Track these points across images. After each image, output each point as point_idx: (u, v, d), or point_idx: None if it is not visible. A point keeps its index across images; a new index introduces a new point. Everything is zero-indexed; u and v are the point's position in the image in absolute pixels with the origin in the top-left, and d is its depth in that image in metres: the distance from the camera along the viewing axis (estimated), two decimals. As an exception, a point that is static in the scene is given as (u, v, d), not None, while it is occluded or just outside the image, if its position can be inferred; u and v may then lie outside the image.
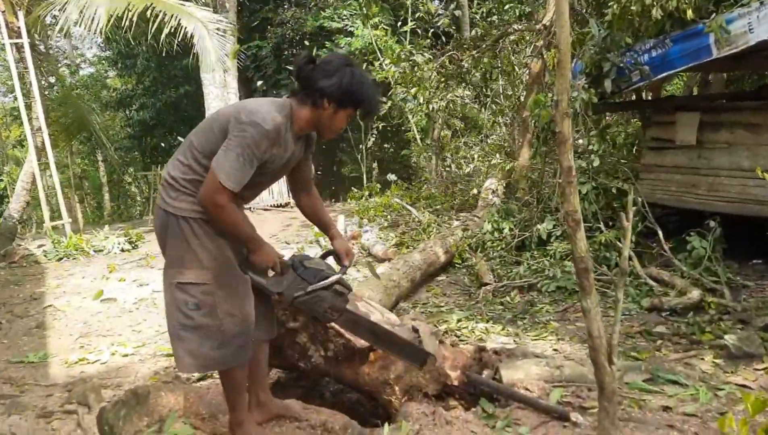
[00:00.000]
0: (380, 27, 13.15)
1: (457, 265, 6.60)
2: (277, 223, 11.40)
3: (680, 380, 3.02)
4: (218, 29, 10.28)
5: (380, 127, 12.53)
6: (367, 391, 2.92)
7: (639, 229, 5.60)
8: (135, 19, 9.29)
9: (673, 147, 6.07)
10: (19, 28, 9.60)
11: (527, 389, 2.85)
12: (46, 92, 13.34)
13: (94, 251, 9.01)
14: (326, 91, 2.15)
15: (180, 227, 2.14)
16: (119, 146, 20.79)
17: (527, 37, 9.34)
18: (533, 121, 7.36)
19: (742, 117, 5.59)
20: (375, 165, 17.94)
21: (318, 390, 3.47)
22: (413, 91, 9.69)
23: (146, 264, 7.88)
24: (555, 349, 3.98)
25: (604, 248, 5.54)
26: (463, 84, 10.63)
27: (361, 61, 11.60)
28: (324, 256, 2.57)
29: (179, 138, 17.41)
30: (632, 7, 5.53)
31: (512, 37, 9.47)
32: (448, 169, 11.87)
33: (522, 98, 9.36)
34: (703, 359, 3.48)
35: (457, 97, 10.59)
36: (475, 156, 11.10)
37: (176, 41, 9.98)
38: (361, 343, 2.79)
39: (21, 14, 9.58)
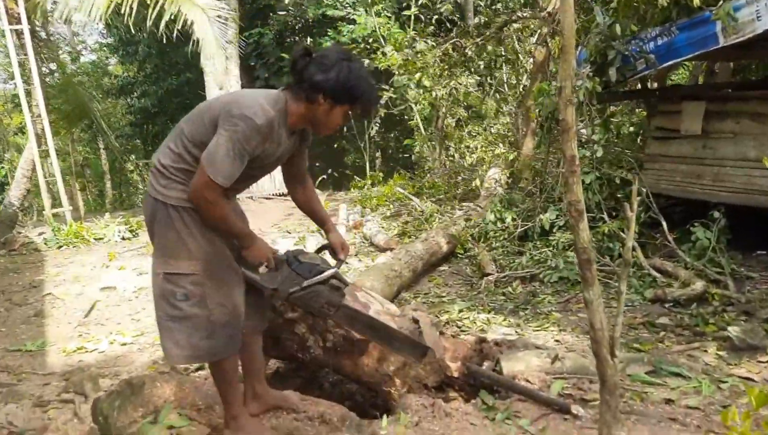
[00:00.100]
0: (383, 14, 13.02)
1: (460, 255, 6.56)
2: (278, 211, 11.35)
3: (683, 372, 2.99)
4: (219, 16, 10.19)
5: (384, 114, 12.40)
6: (366, 383, 2.88)
7: (643, 220, 5.55)
8: (135, 5, 9.21)
9: (678, 137, 5.99)
10: (19, 14, 9.53)
11: (528, 381, 2.82)
12: (47, 79, 13.24)
13: (95, 239, 8.98)
14: (321, 86, 2.07)
15: (169, 216, 2.09)
16: (121, 134, 20.72)
17: (531, 25, 9.23)
18: (537, 110, 7.29)
19: (749, 106, 5.51)
20: (378, 154, 17.86)
21: (317, 381, 3.44)
22: (417, 76, 9.59)
23: (147, 252, 7.85)
24: (557, 340, 3.95)
25: (607, 239, 5.49)
26: (467, 72, 10.52)
27: (363, 49, 11.50)
28: (319, 251, 2.52)
29: (180, 126, 17.28)
30: (638, -6, 5.45)
31: (516, 25, 9.36)
32: (451, 158, 11.80)
33: (526, 87, 9.28)
34: (706, 351, 3.44)
35: (460, 84, 10.48)
36: (479, 145, 11.02)
37: (177, 28, 9.88)
38: (360, 334, 2.75)
39: (21, 0, 9.50)
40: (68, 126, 14.50)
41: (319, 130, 2.24)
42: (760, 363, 3.19)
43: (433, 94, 10.11)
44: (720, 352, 3.40)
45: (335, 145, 17.93)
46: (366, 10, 13.37)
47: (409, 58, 9.80)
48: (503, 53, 9.98)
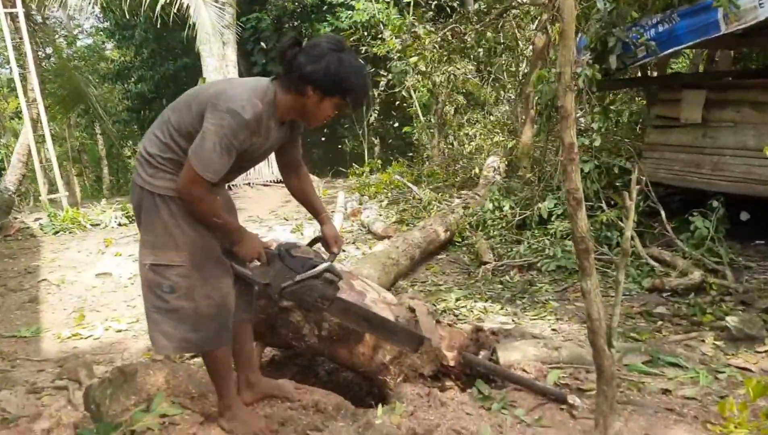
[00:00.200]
0: (381, 0, 12.89)
1: (457, 244, 6.53)
2: (276, 198, 11.30)
3: (680, 363, 2.98)
4: (215, 0, 10.08)
5: (383, 97, 12.26)
6: (361, 372, 2.87)
7: (641, 209, 5.53)
8: (130, -12, 9.11)
9: (677, 125, 5.95)
10: (14, -3, 9.42)
11: (524, 370, 2.80)
12: (43, 63, 13.13)
13: (91, 225, 8.94)
14: (310, 78, 1.98)
15: (156, 206, 2.05)
16: (117, 119, 20.59)
17: (532, 11, 9.14)
18: (536, 98, 7.23)
19: (749, 95, 5.46)
20: (377, 141, 17.78)
21: (313, 369, 3.43)
22: (413, 60, 9.49)
23: (143, 239, 7.81)
24: (554, 329, 3.94)
25: (605, 228, 5.47)
26: (466, 59, 10.44)
27: (361, 35, 11.38)
28: (312, 243, 2.47)
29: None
30: (640, -20, 5.38)
31: (516, 11, 9.27)
32: (450, 146, 11.74)
33: (525, 75, 9.21)
34: (703, 341, 3.43)
35: (458, 69, 10.40)
36: (478, 133, 10.96)
37: (173, 12, 9.77)
38: (355, 322, 2.72)
39: (16, -17, 9.39)
40: (64, 111, 14.38)
41: (309, 122, 2.17)
42: (758, 353, 3.18)
43: (432, 80, 10.02)
44: (717, 342, 3.39)
45: (333, 133, 17.85)
46: (365, -5, 13.22)
47: (408, 43, 9.70)
48: (502, 40, 9.90)
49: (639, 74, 7.30)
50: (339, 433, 2.26)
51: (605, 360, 2.17)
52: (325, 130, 18.44)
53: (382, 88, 11.33)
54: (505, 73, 10.98)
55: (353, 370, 2.95)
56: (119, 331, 4.37)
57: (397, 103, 12.30)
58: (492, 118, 11.22)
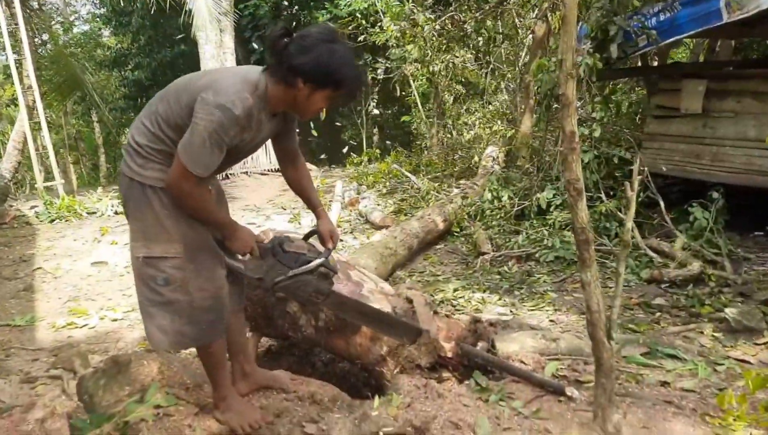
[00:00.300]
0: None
1: (456, 234, 6.51)
2: (274, 187, 11.25)
3: (679, 354, 2.96)
4: (212, -14, 9.97)
5: (381, 85, 12.15)
6: (358, 363, 2.84)
7: (640, 199, 5.50)
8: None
9: (678, 115, 5.92)
10: (8, -18, 9.31)
11: (522, 362, 2.79)
12: (39, 50, 13.02)
13: (87, 213, 8.89)
14: (300, 70, 1.91)
15: (147, 197, 1.99)
16: (114, 106, 20.41)
17: (532, 0, 9.06)
18: (536, 87, 7.18)
19: (750, 85, 5.43)
20: (375, 130, 17.70)
21: (309, 359, 3.41)
22: (409, 47, 9.40)
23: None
24: (552, 320, 3.92)
25: (604, 218, 5.45)
26: (465, 47, 10.36)
27: (359, 23, 11.27)
28: (307, 237, 2.43)
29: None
30: (641, -32, 5.32)
31: (516, -1, 9.19)
32: (448, 135, 11.68)
33: (525, 64, 9.14)
34: (702, 333, 3.41)
35: (456, 57, 10.31)
36: (477, 122, 10.90)
37: (169, -2, 9.68)
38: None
39: (10, -32, 9.28)
40: (61, 98, 14.24)
41: (301, 114, 2.11)
42: (757, 345, 3.17)
43: (430, 68, 9.94)
44: (716, 334, 3.38)
45: (332, 122, 17.75)
46: (364, -18, 13.08)
47: (406, 30, 9.60)
48: (500, 30, 9.82)
49: (639, 63, 7.25)
50: (335, 425, 2.23)
51: (604, 352, 2.15)
52: (324, 121, 18.33)
53: (381, 77, 11.24)
54: (504, 63, 10.90)
55: (350, 361, 2.93)
56: (115, 320, 4.34)
57: (397, 93, 12.20)
58: (491, 107, 11.16)
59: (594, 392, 2.24)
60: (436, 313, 3.06)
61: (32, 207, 9.43)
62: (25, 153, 10.71)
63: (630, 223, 2.12)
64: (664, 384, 2.65)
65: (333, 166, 14.57)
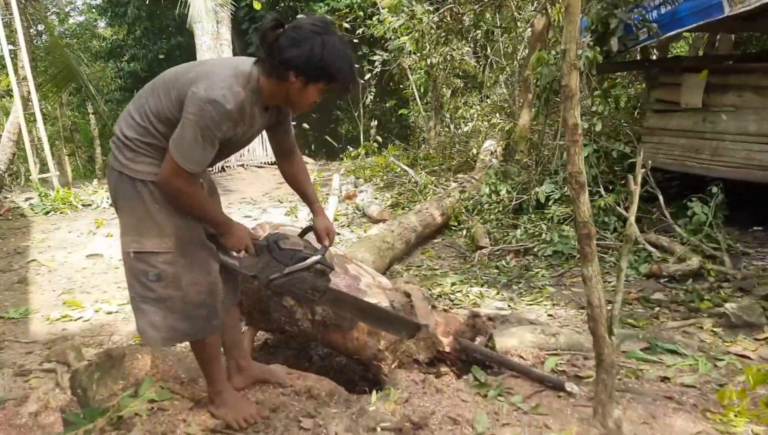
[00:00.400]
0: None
1: (453, 228, 6.48)
2: (271, 180, 11.22)
3: (679, 350, 2.93)
4: (209, -23, 9.88)
5: (377, 72, 12.04)
6: (356, 358, 2.81)
7: (640, 194, 5.47)
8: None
9: (678, 110, 5.88)
10: (2, -29, 9.20)
11: (521, 357, 2.76)
12: (34, 41, 12.92)
13: (83, 205, 8.84)
14: (292, 64, 1.85)
15: (137, 191, 1.95)
16: (110, 98, 20.30)
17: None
18: (535, 80, 7.13)
19: (751, 79, 5.39)
20: (373, 123, 17.64)
21: (306, 353, 3.38)
22: (403, 39, 9.33)
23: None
24: (550, 315, 3.90)
25: (602, 212, 5.42)
26: (463, 40, 10.30)
27: (357, 15, 11.20)
28: (303, 233, 2.39)
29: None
30: (643, -40, 5.27)
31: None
32: (446, 129, 11.63)
33: (524, 57, 9.09)
34: (702, 328, 3.40)
35: (454, 49, 10.25)
36: (475, 115, 10.85)
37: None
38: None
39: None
40: (56, 89, 14.15)
41: (294, 108, 2.06)
42: (757, 341, 3.15)
43: (428, 61, 9.88)
44: (716, 329, 3.36)
45: (329, 115, 17.67)
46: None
47: (404, 22, 9.53)
48: (498, 24, 9.75)
49: (639, 57, 7.21)
50: (332, 420, 2.20)
51: (605, 348, 2.12)
52: (320, 114, 18.25)
53: (378, 69, 11.17)
54: (502, 56, 10.84)
55: (347, 355, 2.90)
56: (109, 313, 4.30)
57: (394, 86, 12.13)
58: (489, 101, 11.12)
59: (594, 388, 2.21)
60: (434, 307, 3.03)
61: (27, 199, 9.37)
62: (20, 144, 10.64)
63: (633, 218, 2.09)
64: (665, 379, 2.62)
65: (330, 159, 14.51)
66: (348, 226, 6.97)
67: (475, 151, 9.20)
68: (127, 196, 1.96)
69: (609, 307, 2.17)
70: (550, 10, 7.44)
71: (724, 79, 5.61)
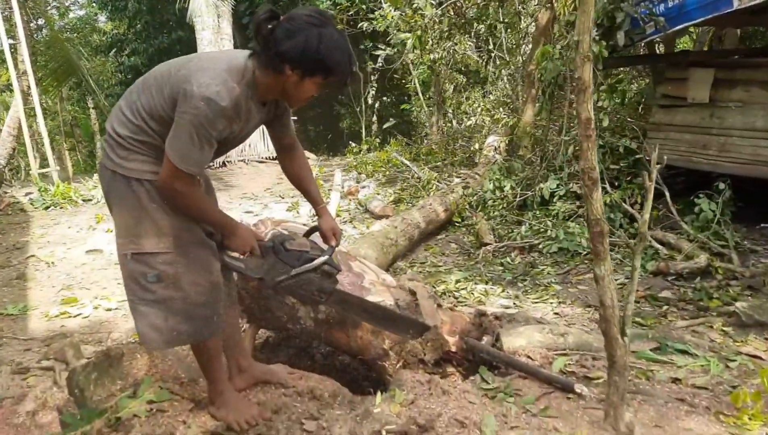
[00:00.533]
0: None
1: (457, 224, 6.41)
2: (272, 175, 11.14)
3: (689, 350, 2.87)
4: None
5: (380, 66, 11.94)
6: (360, 358, 2.75)
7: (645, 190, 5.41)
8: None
9: (684, 105, 5.81)
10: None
11: (529, 357, 2.70)
12: (34, 35, 12.85)
13: (83, 200, 8.79)
14: (288, 57, 1.79)
15: (132, 190, 1.88)
16: (110, 93, 20.20)
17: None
18: (539, 75, 7.05)
19: (758, 74, 5.31)
20: (375, 119, 17.56)
21: (308, 352, 3.32)
22: (404, 36, 9.24)
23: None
24: (556, 313, 3.84)
25: (609, 209, 5.35)
26: (466, 35, 10.21)
27: (359, 9, 11.10)
28: (308, 234, 2.33)
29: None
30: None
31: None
32: (449, 124, 11.56)
33: (527, 52, 9.01)
34: (711, 327, 3.34)
35: (457, 44, 10.17)
36: (478, 110, 10.77)
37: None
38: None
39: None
40: (56, 84, 14.07)
41: (291, 102, 2.00)
42: (768, 340, 3.08)
43: (431, 56, 9.79)
44: (725, 328, 3.30)
45: (330, 110, 17.60)
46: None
47: (405, 16, 9.43)
48: (501, 18, 9.66)
49: (646, 51, 7.13)
50: (336, 422, 2.14)
51: (618, 350, 2.06)
52: (322, 109, 18.18)
53: (380, 64, 11.08)
54: (506, 51, 10.75)
55: (350, 354, 2.84)
56: (109, 309, 4.25)
57: (396, 80, 12.05)
58: (492, 97, 11.03)
59: (606, 390, 2.15)
60: (439, 305, 2.97)
61: (27, 194, 9.32)
62: (20, 139, 10.58)
63: (647, 215, 2.03)
64: (676, 381, 2.56)
65: (332, 155, 14.44)
66: (350, 222, 6.91)
67: (477, 145, 9.12)
68: (122, 195, 1.90)
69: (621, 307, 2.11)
70: (555, 4, 7.35)
71: (731, 74, 5.53)
